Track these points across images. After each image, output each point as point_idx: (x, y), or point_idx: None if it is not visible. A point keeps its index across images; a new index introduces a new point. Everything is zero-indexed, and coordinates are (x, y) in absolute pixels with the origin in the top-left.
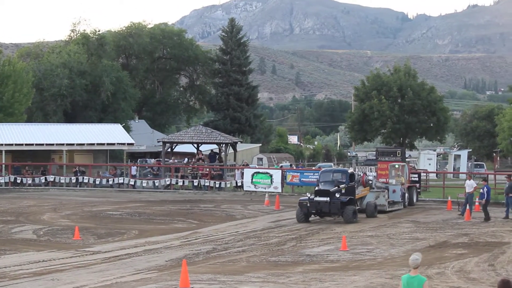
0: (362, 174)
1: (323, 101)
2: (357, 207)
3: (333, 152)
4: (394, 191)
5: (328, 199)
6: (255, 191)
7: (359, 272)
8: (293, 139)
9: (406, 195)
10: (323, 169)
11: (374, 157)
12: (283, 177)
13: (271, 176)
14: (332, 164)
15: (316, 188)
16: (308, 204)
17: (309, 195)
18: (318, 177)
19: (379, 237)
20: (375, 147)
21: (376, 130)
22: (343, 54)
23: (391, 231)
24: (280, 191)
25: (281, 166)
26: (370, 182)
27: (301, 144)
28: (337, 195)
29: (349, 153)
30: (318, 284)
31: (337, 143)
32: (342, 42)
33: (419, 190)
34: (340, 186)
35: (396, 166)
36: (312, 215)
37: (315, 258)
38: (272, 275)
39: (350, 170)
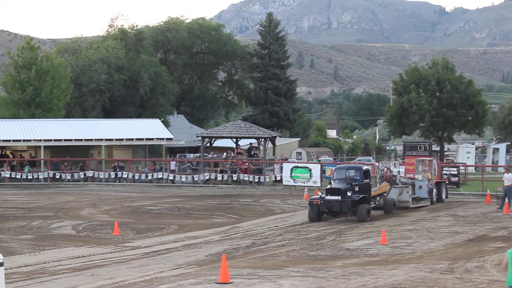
0: (385, 169)
1: (362, 95)
2: (377, 203)
3: (372, 146)
4: (420, 187)
5: (339, 197)
6: (294, 186)
7: (399, 266)
8: (332, 133)
9: (434, 191)
10: (337, 166)
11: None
12: (322, 171)
13: (310, 170)
14: (371, 158)
15: (328, 186)
16: (319, 203)
17: (320, 194)
18: (332, 174)
19: (418, 230)
20: (404, 141)
21: (415, 124)
22: (381, 48)
23: (430, 224)
24: (319, 185)
25: (320, 160)
26: (394, 178)
27: (340, 138)
28: (349, 194)
29: (387, 147)
30: (358, 278)
31: (375, 137)
32: (380, 36)
33: (448, 186)
34: (353, 183)
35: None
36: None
37: (354, 252)
38: (311, 269)
39: (365, 167)
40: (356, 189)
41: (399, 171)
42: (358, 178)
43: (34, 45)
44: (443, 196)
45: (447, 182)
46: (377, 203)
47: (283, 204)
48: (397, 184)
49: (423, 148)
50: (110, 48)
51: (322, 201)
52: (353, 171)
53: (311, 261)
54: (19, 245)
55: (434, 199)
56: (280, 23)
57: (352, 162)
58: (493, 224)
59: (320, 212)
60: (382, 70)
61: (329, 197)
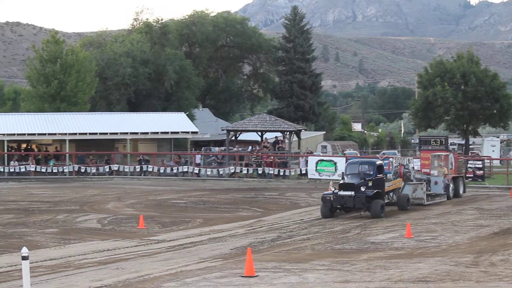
0: (399, 166)
1: (387, 88)
2: (391, 199)
3: (397, 139)
4: (436, 183)
5: (352, 193)
6: (320, 179)
7: (424, 260)
8: (357, 127)
9: (451, 186)
10: (350, 160)
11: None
12: None
13: (335, 163)
14: (396, 151)
15: (341, 182)
16: (332, 199)
17: (333, 189)
18: (344, 169)
19: (444, 224)
20: (419, 136)
21: (440, 117)
22: (406, 41)
23: (455, 218)
24: None
25: (345, 154)
26: (408, 174)
27: (365, 131)
28: (362, 189)
29: (413, 140)
30: (383, 272)
31: (401, 130)
32: (405, 29)
33: (467, 179)
34: (367, 178)
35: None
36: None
37: (379, 246)
38: (336, 263)
39: (379, 161)
40: (370, 184)
41: (413, 167)
42: (371, 173)
43: (59, 39)
44: (461, 191)
45: (471, 176)
46: (390, 199)
47: (308, 198)
48: (412, 181)
49: (438, 142)
50: (135, 41)
51: (335, 197)
52: (366, 165)
53: (336, 255)
54: (44, 238)
55: (451, 195)
56: (305, 16)
57: (377, 155)
58: None
59: (333, 208)
60: (407, 63)
61: (342, 193)
